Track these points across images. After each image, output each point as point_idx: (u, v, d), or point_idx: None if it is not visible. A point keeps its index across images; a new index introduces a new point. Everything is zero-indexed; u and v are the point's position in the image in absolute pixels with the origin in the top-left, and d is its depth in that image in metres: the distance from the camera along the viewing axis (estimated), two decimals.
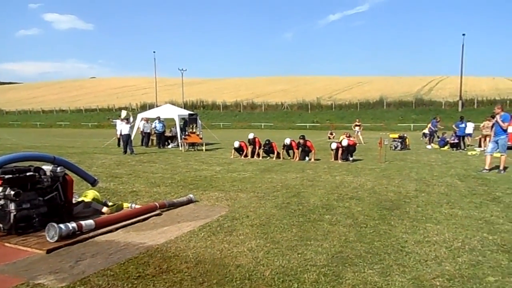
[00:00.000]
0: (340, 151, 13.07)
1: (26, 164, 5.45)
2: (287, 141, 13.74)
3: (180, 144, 18.73)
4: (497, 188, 8.14)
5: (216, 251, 4.30)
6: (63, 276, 3.66)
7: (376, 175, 9.98)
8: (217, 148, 18.80)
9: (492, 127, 13.30)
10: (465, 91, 50.53)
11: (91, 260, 4.06)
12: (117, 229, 5.17)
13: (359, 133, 23.04)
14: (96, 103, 72.76)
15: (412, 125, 42.33)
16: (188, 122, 19.63)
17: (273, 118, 54.24)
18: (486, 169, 10.41)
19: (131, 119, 17.14)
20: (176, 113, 20.44)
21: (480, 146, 17.47)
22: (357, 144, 15.53)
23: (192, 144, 18.10)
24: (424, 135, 22.94)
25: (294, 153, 13.74)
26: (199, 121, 21.15)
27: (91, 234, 4.86)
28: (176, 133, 20.15)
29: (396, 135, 18.83)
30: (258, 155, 14.22)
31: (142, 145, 19.80)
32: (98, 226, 5.06)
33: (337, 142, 13.61)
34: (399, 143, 17.89)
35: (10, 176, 4.89)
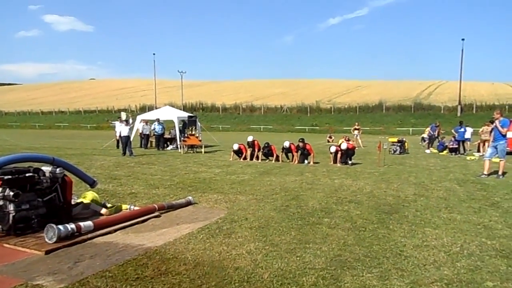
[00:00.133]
0: (339, 155, 13.08)
1: (26, 165, 5.45)
2: (286, 144, 13.75)
3: (179, 146, 18.72)
4: (495, 193, 8.15)
5: (214, 254, 4.30)
6: (62, 277, 3.66)
7: (375, 179, 9.99)
8: (216, 151, 18.80)
9: (491, 132, 13.34)
10: (464, 96, 50.62)
11: (90, 262, 4.06)
12: (116, 230, 5.16)
13: (358, 137, 23.05)
14: (95, 105, 72.69)
15: (411, 129, 42.38)
16: (187, 124, 19.62)
17: (273, 121, 54.27)
18: (485, 174, 10.42)
19: (131, 120, 17.12)
20: (175, 115, 20.44)
21: (479, 151, 17.49)
22: (356, 148, 15.55)
23: (191, 146, 18.09)
24: (423, 139, 22.97)
25: (293, 156, 13.75)
26: (198, 123, 21.15)
27: (90, 235, 4.86)
28: (175, 135, 20.14)
29: (395, 139, 18.85)
30: (257, 157, 14.23)
31: (141, 147, 19.79)
32: (97, 227, 5.05)
33: (336, 145, 13.63)
34: (398, 147, 17.91)
35: (10, 177, 4.89)
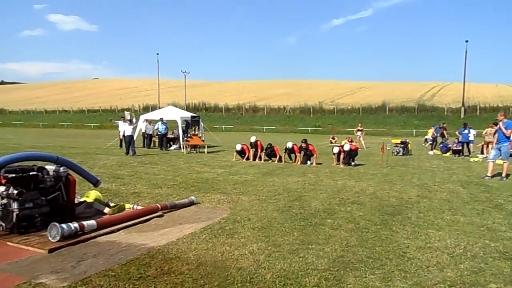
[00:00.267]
0: (342, 156, 13.07)
1: (30, 163, 5.47)
2: (289, 144, 13.74)
3: (182, 146, 18.75)
4: (499, 195, 8.12)
5: (217, 254, 4.30)
6: (65, 276, 3.67)
7: (378, 180, 9.97)
8: (219, 151, 18.81)
9: (494, 134, 13.28)
10: (468, 97, 50.43)
11: (93, 261, 4.07)
12: (119, 229, 5.18)
13: (361, 138, 23.02)
14: (99, 104, 72.83)
15: (414, 130, 42.24)
16: (190, 124, 19.66)
17: (275, 121, 54.24)
18: (489, 176, 10.39)
19: (134, 120, 17.17)
20: (178, 115, 20.47)
21: (482, 153, 17.42)
22: (359, 149, 15.52)
23: (194, 146, 18.11)
24: (426, 140, 22.90)
25: (296, 156, 13.75)
26: (201, 124, 21.18)
27: (93, 234, 4.87)
28: (178, 135, 20.17)
29: (398, 141, 18.79)
30: (260, 158, 14.23)
31: (144, 146, 19.83)
32: (100, 226, 5.07)
33: (339, 146, 13.61)
34: (401, 149, 17.86)
35: (14, 175, 4.91)
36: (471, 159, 15.81)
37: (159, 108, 41.25)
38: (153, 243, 4.66)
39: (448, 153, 18.14)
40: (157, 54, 64.61)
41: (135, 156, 15.37)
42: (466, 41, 47.15)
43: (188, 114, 21.52)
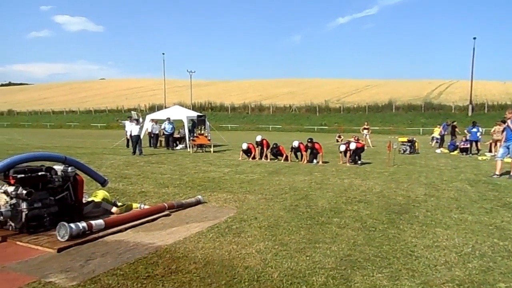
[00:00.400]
0: (348, 154, 13.05)
1: (38, 164, 5.52)
2: (295, 143, 13.73)
3: (188, 146, 18.80)
4: (507, 193, 8.06)
5: (224, 252, 4.32)
6: (74, 275, 3.71)
7: (384, 178, 9.93)
8: (225, 150, 18.84)
9: (502, 132, 13.17)
10: (476, 95, 50.02)
11: (101, 260, 4.10)
12: (126, 229, 5.21)
13: (367, 136, 22.92)
14: (105, 104, 73.21)
15: (421, 129, 42.00)
16: (196, 124, 19.69)
17: (281, 120, 54.19)
18: (497, 174, 10.31)
19: (141, 120, 17.25)
20: (184, 115, 20.52)
21: (490, 151, 17.28)
22: (366, 147, 15.46)
23: (200, 146, 18.15)
24: (433, 139, 22.75)
25: (302, 155, 13.73)
26: (207, 123, 21.22)
27: (101, 233, 4.91)
28: (184, 134, 20.22)
29: (405, 139, 18.69)
30: (266, 157, 14.24)
31: (150, 146, 19.90)
32: (107, 226, 5.11)
33: (345, 144, 13.56)
34: (408, 147, 17.76)
35: (22, 175, 4.96)
36: (479, 157, 15.70)
37: (165, 107, 41.38)
38: (160, 242, 4.68)
39: (456, 152, 18.02)
40: (163, 54, 64.77)
41: (142, 155, 15.44)
42: (474, 38, 46.78)
43: (194, 114, 21.56)
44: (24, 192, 4.80)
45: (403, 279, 3.66)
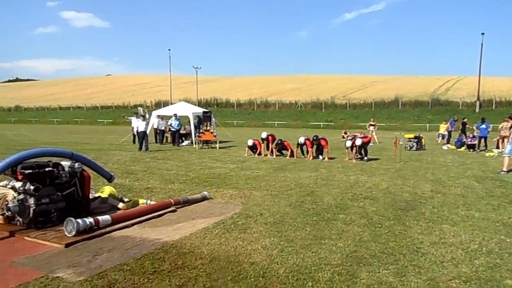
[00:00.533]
0: (354, 150, 13.01)
1: (45, 159, 5.56)
2: (301, 139, 13.71)
3: (194, 142, 18.84)
4: None
5: (230, 248, 4.33)
6: (81, 270, 3.74)
7: (391, 175, 9.89)
8: (231, 146, 18.86)
9: (510, 128, 13.06)
10: (483, 91, 49.50)
11: (108, 255, 4.13)
12: (133, 224, 5.24)
13: (373, 133, 22.80)
14: (112, 100, 73.50)
15: (428, 125, 41.75)
16: (202, 120, 19.72)
17: (287, 116, 54.11)
18: (504, 171, 10.23)
19: (147, 116, 17.30)
20: (190, 111, 20.55)
21: (498, 147, 17.14)
22: (372, 144, 15.40)
23: (206, 142, 18.18)
24: (440, 136, 22.59)
25: (308, 151, 13.72)
26: (213, 119, 21.23)
27: (107, 229, 4.94)
28: (190, 130, 20.26)
29: (412, 135, 18.58)
30: (272, 152, 14.26)
31: (156, 142, 19.97)
32: (114, 221, 5.14)
33: (351, 140, 13.51)
34: (414, 143, 17.67)
35: (30, 171, 5.00)
36: (487, 154, 15.58)
37: (171, 104, 41.47)
38: (166, 238, 4.71)
39: (463, 148, 17.89)
40: (169, 50, 64.96)
41: (148, 151, 15.50)
42: (482, 33, 46.35)
43: (200, 110, 21.57)
44: (32, 187, 4.84)
45: (409, 275, 3.65)
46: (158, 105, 57.21)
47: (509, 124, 15.71)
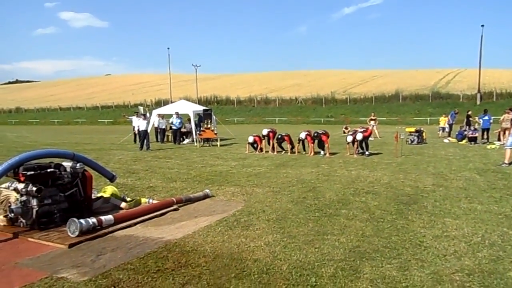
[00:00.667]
0: (355, 145, 13.01)
1: (47, 160, 5.57)
2: (302, 135, 13.70)
3: (195, 140, 18.84)
4: None
5: (233, 246, 4.34)
6: (85, 270, 3.75)
7: (392, 169, 9.89)
8: (232, 144, 18.86)
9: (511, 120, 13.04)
10: (484, 83, 49.32)
11: (112, 254, 4.15)
12: (135, 224, 5.26)
13: (374, 127, 22.77)
14: (112, 100, 73.46)
15: (428, 118, 41.64)
16: (202, 118, 19.70)
17: (287, 112, 54.03)
18: (506, 163, 10.21)
19: (148, 114, 17.30)
20: (190, 109, 20.54)
21: (499, 139, 17.10)
22: (373, 137, 15.37)
23: (207, 140, 18.19)
24: (441, 129, 22.55)
25: (309, 147, 13.72)
26: (214, 117, 21.22)
27: (110, 229, 4.96)
28: (191, 128, 20.26)
29: (413, 129, 18.56)
30: (273, 148, 14.26)
31: (157, 141, 19.98)
32: (117, 221, 5.15)
33: (352, 135, 13.49)
34: (415, 137, 17.64)
35: (32, 172, 5.01)
36: (488, 146, 15.56)
37: (171, 102, 41.42)
38: (169, 237, 4.72)
39: (464, 141, 17.86)
40: (168, 48, 65.19)
41: (149, 150, 15.51)
42: (482, 25, 46.14)
43: (200, 108, 21.57)
44: (34, 189, 4.86)
45: (413, 269, 3.66)
46: (158, 104, 57.15)
47: (510, 116, 15.70)
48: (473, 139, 17.32)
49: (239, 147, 16.86)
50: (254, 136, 14.61)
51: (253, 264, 3.81)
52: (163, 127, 20.33)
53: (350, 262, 3.83)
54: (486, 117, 17.57)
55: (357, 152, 13.00)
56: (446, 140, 18.93)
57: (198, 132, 18.67)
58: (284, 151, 14.25)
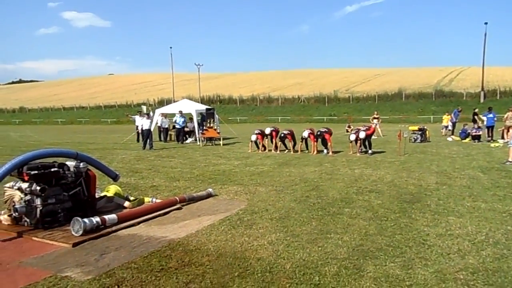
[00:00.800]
0: (358, 143, 12.99)
1: (50, 160, 5.59)
2: (305, 134, 13.69)
3: (198, 139, 18.86)
4: None
5: (236, 244, 4.35)
6: (89, 269, 3.76)
7: (395, 168, 9.87)
8: (235, 143, 18.86)
9: None
10: (487, 81, 49.11)
11: (115, 253, 4.16)
12: (139, 223, 5.27)
13: (377, 126, 22.73)
14: (115, 100, 73.58)
15: (432, 117, 41.49)
16: (205, 117, 19.71)
17: (290, 111, 53.97)
18: (510, 161, 10.17)
19: (151, 114, 17.33)
20: (193, 108, 20.54)
21: (503, 137, 17.03)
22: (376, 136, 15.34)
23: (210, 139, 18.21)
24: (444, 127, 22.47)
25: (312, 145, 13.71)
26: (216, 116, 21.22)
27: (114, 228, 4.98)
28: (194, 127, 20.27)
29: (416, 128, 18.50)
30: (276, 147, 14.27)
31: (160, 140, 20.01)
32: (121, 220, 5.17)
33: (355, 133, 13.47)
34: (419, 136, 17.60)
35: (36, 172, 5.03)
36: (492, 144, 15.50)
37: (174, 101, 41.44)
38: (173, 236, 4.73)
39: (468, 139, 17.80)
40: (170, 47, 64.72)
41: (153, 150, 15.53)
42: (485, 23, 45.86)
43: (203, 107, 21.57)
44: (38, 188, 4.88)
45: (416, 268, 3.65)
46: (161, 103, 57.23)
47: None
48: (476, 137, 17.26)
49: (242, 146, 16.87)
50: (257, 134, 14.62)
51: (256, 263, 3.81)
52: (166, 126, 20.36)
53: (353, 261, 3.83)
54: (491, 115, 17.50)
55: (360, 150, 12.98)
56: (449, 139, 18.87)
57: (201, 132, 18.69)
58: (287, 150, 14.25)
